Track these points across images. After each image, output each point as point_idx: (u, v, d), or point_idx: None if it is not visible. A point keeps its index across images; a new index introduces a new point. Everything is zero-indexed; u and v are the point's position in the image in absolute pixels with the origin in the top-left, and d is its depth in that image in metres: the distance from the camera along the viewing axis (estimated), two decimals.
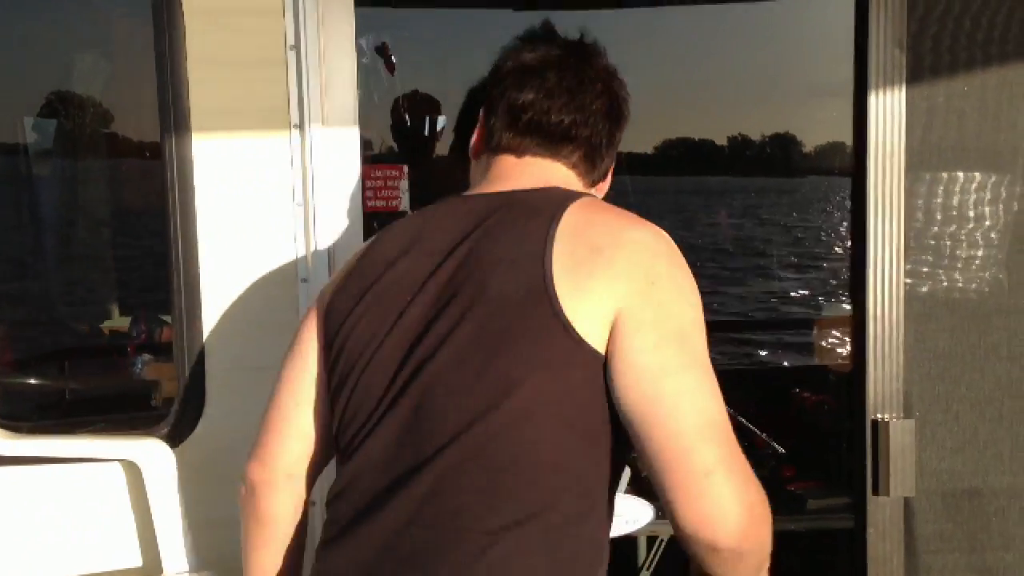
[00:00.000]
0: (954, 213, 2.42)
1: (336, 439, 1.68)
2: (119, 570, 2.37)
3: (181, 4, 2.31)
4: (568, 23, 1.80)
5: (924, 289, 2.40)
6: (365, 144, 2.52)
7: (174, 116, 2.37)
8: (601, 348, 1.45)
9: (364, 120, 2.45)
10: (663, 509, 1.46)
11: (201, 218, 2.38)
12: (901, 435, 2.37)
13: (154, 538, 2.34)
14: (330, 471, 1.78)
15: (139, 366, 4.41)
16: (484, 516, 1.45)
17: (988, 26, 2.39)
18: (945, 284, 2.42)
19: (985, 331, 2.40)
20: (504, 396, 1.45)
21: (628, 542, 2.75)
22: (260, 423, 1.79)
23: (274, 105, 2.37)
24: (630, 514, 2.79)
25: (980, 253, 2.42)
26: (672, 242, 1.55)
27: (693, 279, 1.53)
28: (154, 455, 2.33)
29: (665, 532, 3.20)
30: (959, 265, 2.42)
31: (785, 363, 7.66)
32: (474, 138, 1.80)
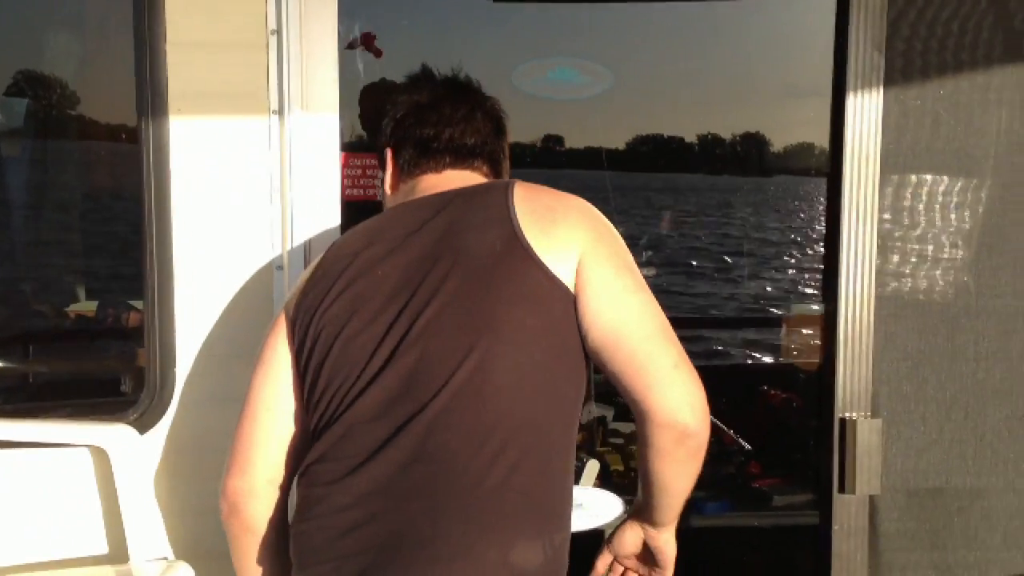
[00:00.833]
0: (924, 216, 2.45)
1: (314, 424, 1.73)
2: (84, 557, 2.34)
3: None
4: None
5: (894, 290, 2.43)
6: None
7: (151, 99, 2.34)
8: (571, 286, 1.66)
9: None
10: (634, 412, 1.65)
11: (176, 203, 2.36)
12: (868, 434, 2.40)
13: (121, 526, 2.32)
14: None
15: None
16: (476, 450, 1.59)
17: (962, 31, 2.41)
18: (915, 285, 2.45)
19: (953, 332, 2.43)
20: (490, 331, 1.62)
21: (594, 536, 2.76)
22: (234, 437, 1.83)
23: (254, 90, 2.36)
24: (599, 508, 2.80)
25: (950, 255, 2.45)
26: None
27: None
28: (123, 441, 2.31)
29: None
30: (929, 267, 2.45)
31: (749, 362, 7.74)
32: (388, 177, 1.98)
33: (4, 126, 5.27)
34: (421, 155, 1.93)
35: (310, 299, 1.78)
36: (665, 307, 1.71)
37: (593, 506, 2.80)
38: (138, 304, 4.65)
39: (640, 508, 1.83)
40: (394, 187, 1.98)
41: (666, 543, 1.85)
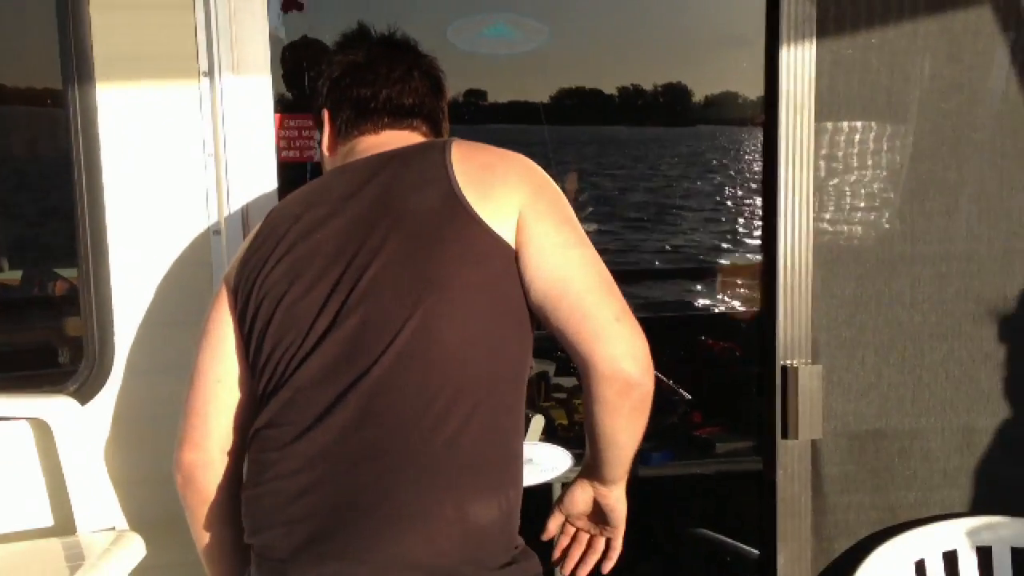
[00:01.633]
0: (858, 162, 2.48)
1: (261, 389, 1.72)
2: (30, 530, 2.31)
3: None
4: None
5: (831, 237, 2.46)
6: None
7: (76, 63, 2.28)
8: (512, 242, 1.67)
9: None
10: (578, 366, 1.65)
11: (107, 169, 2.31)
12: (809, 380, 2.44)
13: (65, 497, 2.28)
14: None
15: None
16: (424, 410, 1.59)
17: None
18: (851, 232, 2.48)
19: (889, 278, 2.48)
20: (432, 290, 1.62)
21: (543, 490, 2.79)
22: (182, 410, 1.82)
23: (182, 52, 2.30)
24: (548, 462, 2.83)
25: (883, 201, 2.49)
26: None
27: None
28: (64, 413, 2.27)
29: None
30: (864, 214, 2.49)
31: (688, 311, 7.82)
32: (326, 139, 1.96)
33: None
34: (359, 116, 1.91)
35: (251, 266, 1.76)
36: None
37: (542, 461, 2.84)
38: (64, 272, 4.58)
39: (589, 466, 1.83)
40: (332, 149, 1.95)
41: (617, 500, 1.86)
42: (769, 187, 2.46)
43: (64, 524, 2.30)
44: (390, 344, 1.60)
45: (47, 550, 2.25)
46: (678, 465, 3.49)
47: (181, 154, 2.33)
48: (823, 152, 2.44)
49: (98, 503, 2.30)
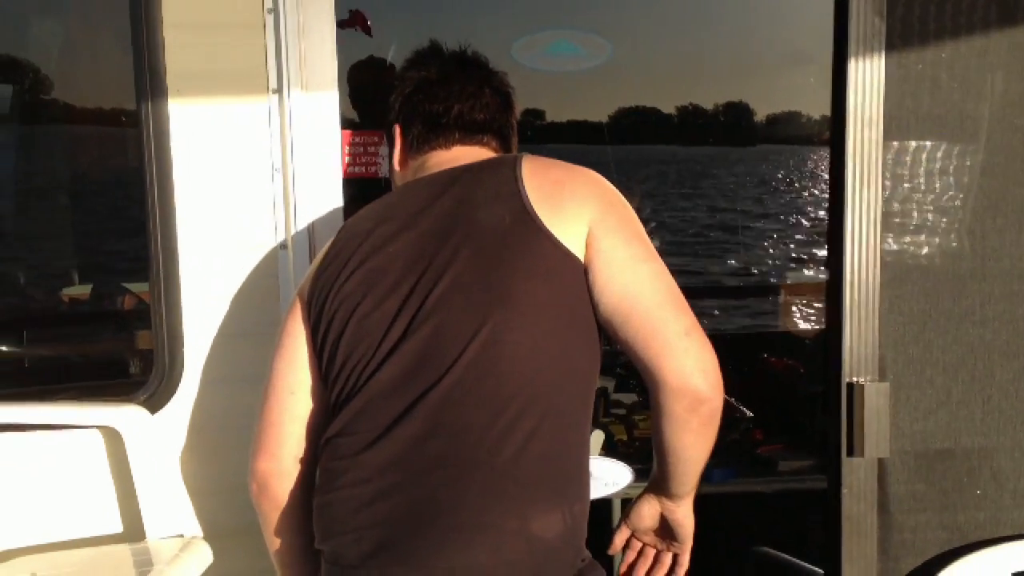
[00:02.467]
0: (926, 179, 2.45)
1: (333, 398, 1.75)
2: (100, 536, 2.36)
3: None
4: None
5: (899, 254, 2.43)
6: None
7: (150, 81, 2.34)
8: (581, 257, 1.68)
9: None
10: (646, 381, 1.66)
11: (179, 184, 2.36)
12: (876, 397, 2.40)
13: (135, 504, 2.33)
14: None
15: None
16: (492, 422, 1.61)
17: None
18: (919, 249, 2.45)
19: (959, 295, 2.44)
20: (502, 304, 1.64)
21: (603, 505, 2.78)
22: (257, 420, 1.85)
23: (252, 69, 2.35)
24: (609, 477, 2.81)
25: (953, 218, 2.45)
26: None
27: None
28: (135, 421, 2.32)
29: None
30: (933, 230, 2.45)
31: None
32: (397, 154, 1.98)
33: None
34: (430, 131, 1.93)
35: (324, 279, 1.79)
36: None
37: (604, 475, 2.82)
38: (131, 287, 4.67)
39: (656, 481, 1.84)
40: (403, 164, 1.98)
41: (685, 516, 1.86)
42: (836, 204, 2.44)
43: (133, 530, 2.35)
44: (459, 357, 1.62)
45: (117, 556, 2.30)
46: (740, 483, 3.46)
47: (250, 170, 2.38)
48: (890, 169, 2.41)
49: (167, 510, 2.34)
